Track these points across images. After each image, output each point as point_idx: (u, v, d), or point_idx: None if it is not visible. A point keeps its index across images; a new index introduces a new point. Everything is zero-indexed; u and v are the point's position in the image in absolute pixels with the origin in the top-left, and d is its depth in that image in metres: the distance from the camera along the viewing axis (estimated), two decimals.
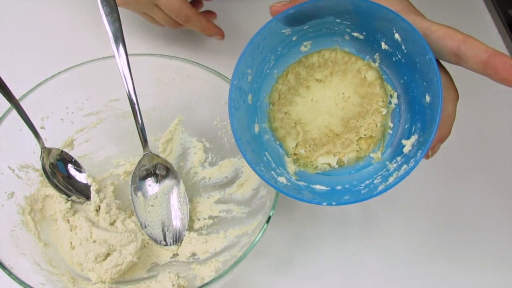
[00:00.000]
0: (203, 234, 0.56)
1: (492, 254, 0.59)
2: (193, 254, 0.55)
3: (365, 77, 0.47)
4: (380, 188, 0.43)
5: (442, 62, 0.44)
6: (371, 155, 0.47)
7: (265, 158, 0.47)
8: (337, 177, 0.48)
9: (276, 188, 0.45)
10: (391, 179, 0.43)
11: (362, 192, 0.45)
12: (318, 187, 0.46)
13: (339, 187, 0.46)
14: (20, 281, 0.44)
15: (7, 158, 0.53)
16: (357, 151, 0.48)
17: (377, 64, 0.47)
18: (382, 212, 0.61)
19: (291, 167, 0.48)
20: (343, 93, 0.48)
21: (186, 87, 0.57)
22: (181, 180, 0.57)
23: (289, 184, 0.46)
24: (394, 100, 0.47)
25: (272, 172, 0.47)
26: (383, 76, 0.47)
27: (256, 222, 0.51)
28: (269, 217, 0.48)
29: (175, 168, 0.58)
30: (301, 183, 0.47)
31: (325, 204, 0.43)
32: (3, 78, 0.51)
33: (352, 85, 0.48)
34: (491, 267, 0.58)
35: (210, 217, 0.57)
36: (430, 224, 0.61)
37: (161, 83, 0.58)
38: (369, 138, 0.47)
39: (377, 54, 0.47)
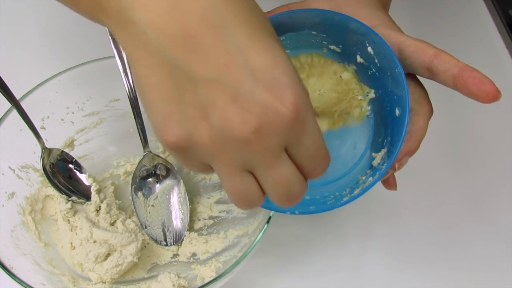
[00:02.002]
0: (204, 234, 0.56)
1: (493, 255, 0.59)
2: (194, 254, 0.55)
3: (340, 77, 0.47)
4: (344, 199, 0.44)
5: (420, 77, 0.44)
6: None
7: None
8: (309, 189, 0.48)
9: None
10: (356, 191, 0.44)
11: (328, 203, 0.45)
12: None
13: (307, 197, 0.46)
14: (20, 281, 0.44)
15: (7, 158, 0.53)
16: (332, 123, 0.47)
17: (352, 68, 0.47)
18: (383, 212, 0.61)
19: None
20: (319, 91, 0.47)
21: None
22: (182, 180, 0.57)
23: None
24: (371, 95, 0.46)
25: None
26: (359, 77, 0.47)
27: (256, 222, 0.52)
28: (270, 217, 0.48)
29: (176, 168, 0.58)
30: None
31: (288, 212, 0.44)
32: (3, 78, 0.51)
33: (329, 84, 0.47)
34: (492, 268, 0.58)
35: (211, 217, 0.58)
36: (431, 225, 0.61)
37: None
38: (345, 114, 0.47)
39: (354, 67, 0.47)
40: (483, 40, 0.77)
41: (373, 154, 0.45)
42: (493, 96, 0.39)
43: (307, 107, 0.32)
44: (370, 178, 0.43)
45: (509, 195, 0.63)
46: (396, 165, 0.43)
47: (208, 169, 0.35)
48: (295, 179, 0.34)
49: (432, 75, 0.42)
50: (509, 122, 0.69)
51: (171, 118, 0.32)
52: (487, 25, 0.79)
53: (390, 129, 0.44)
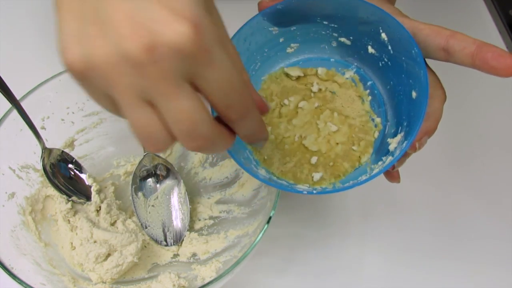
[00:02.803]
0: (204, 234, 0.56)
1: (493, 254, 0.59)
2: (194, 255, 0.55)
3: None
4: (362, 178, 0.43)
5: (430, 64, 0.44)
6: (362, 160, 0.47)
7: (246, 155, 0.47)
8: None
9: (256, 177, 0.44)
10: (375, 171, 0.43)
11: (345, 185, 0.44)
12: (300, 186, 0.46)
13: (319, 188, 0.46)
14: (20, 281, 0.44)
15: (7, 159, 0.53)
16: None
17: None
18: (383, 212, 0.61)
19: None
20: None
21: None
22: (182, 181, 0.58)
23: (268, 176, 0.46)
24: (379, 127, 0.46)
25: (252, 166, 0.46)
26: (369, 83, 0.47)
27: (256, 222, 0.52)
28: (270, 218, 0.48)
29: (176, 169, 0.58)
30: (283, 181, 0.47)
31: (305, 192, 0.43)
32: (3, 78, 0.51)
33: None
34: (492, 267, 0.58)
35: (211, 218, 0.58)
36: (430, 224, 0.61)
37: None
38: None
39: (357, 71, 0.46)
40: (484, 40, 0.77)
41: (389, 140, 0.45)
42: None
43: (212, 35, 0.30)
44: (390, 157, 0.43)
45: (510, 192, 0.63)
46: (417, 144, 0.42)
47: (112, 104, 0.33)
48: (202, 117, 0.32)
49: (449, 55, 0.41)
50: (508, 121, 0.69)
51: (72, 36, 0.31)
52: (487, 25, 0.79)
53: (405, 115, 0.44)
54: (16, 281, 0.44)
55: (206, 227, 0.57)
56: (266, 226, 0.47)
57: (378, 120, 0.46)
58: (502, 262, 0.58)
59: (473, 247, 0.59)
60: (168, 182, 0.58)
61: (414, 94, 0.42)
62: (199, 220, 0.58)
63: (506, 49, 0.76)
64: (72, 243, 0.53)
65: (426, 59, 0.43)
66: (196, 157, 0.60)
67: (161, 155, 0.59)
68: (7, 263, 0.45)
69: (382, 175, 0.47)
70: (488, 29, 0.78)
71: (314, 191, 0.43)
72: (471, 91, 0.69)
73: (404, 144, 0.41)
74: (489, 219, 0.61)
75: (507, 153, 0.66)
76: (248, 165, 0.45)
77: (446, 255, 0.59)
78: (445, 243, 0.60)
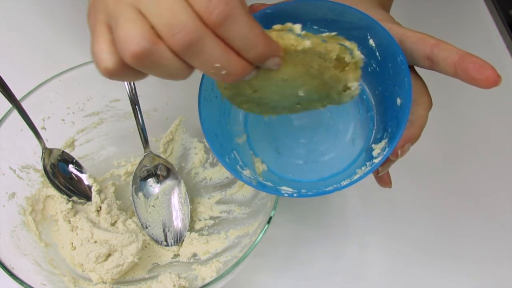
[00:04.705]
0: (204, 234, 0.56)
1: (493, 253, 0.59)
2: (194, 255, 0.55)
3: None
4: (343, 183, 0.43)
5: (421, 69, 0.44)
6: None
7: (232, 155, 0.47)
8: (305, 184, 0.48)
9: (241, 179, 0.44)
10: (355, 176, 0.43)
11: (326, 189, 0.44)
12: (284, 188, 0.46)
13: (304, 191, 0.46)
14: (21, 282, 0.44)
15: (8, 159, 0.53)
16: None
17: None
18: (383, 212, 0.61)
19: (259, 167, 0.48)
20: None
21: (187, 87, 0.57)
22: (182, 181, 0.58)
23: (252, 177, 0.46)
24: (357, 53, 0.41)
25: (237, 166, 0.46)
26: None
27: (257, 222, 0.52)
28: (270, 218, 0.48)
29: (176, 169, 0.58)
30: (268, 183, 0.47)
31: (286, 195, 0.43)
32: (4, 78, 0.51)
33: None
34: (492, 266, 0.58)
35: (211, 218, 0.58)
36: (431, 224, 0.61)
37: (162, 83, 0.58)
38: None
39: None
40: (483, 40, 0.77)
41: (373, 145, 0.45)
42: (494, 80, 0.39)
43: None
44: (372, 161, 0.43)
45: (508, 192, 0.63)
46: (399, 152, 0.42)
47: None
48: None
49: (433, 64, 0.42)
50: (509, 121, 0.69)
51: None
52: (487, 25, 0.79)
53: (391, 121, 0.44)
54: (17, 281, 0.44)
55: (207, 227, 0.57)
56: (266, 226, 0.47)
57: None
58: (502, 260, 0.58)
59: (473, 246, 0.59)
60: (168, 182, 0.58)
61: (399, 101, 0.42)
62: (200, 220, 0.58)
63: (506, 49, 0.76)
64: (72, 243, 0.53)
65: (416, 66, 0.43)
66: (196, 158, 0.60)
67: (161, 155, 0.59)
68: (7, 263, 0.45)
69: (374, 180, 0.47)
70: (488, 29, 0.78)
71: (295, 195, 0.44)
72: (470, 92, 0.69)
73: (386, 151, 0.42)
74: (489, 218, 0.62)
75: (507, 153, 0.66)
76: (233, 165, 0.45)
77: (446, 254, 0.59)
78: (445, 243, 0.60)
